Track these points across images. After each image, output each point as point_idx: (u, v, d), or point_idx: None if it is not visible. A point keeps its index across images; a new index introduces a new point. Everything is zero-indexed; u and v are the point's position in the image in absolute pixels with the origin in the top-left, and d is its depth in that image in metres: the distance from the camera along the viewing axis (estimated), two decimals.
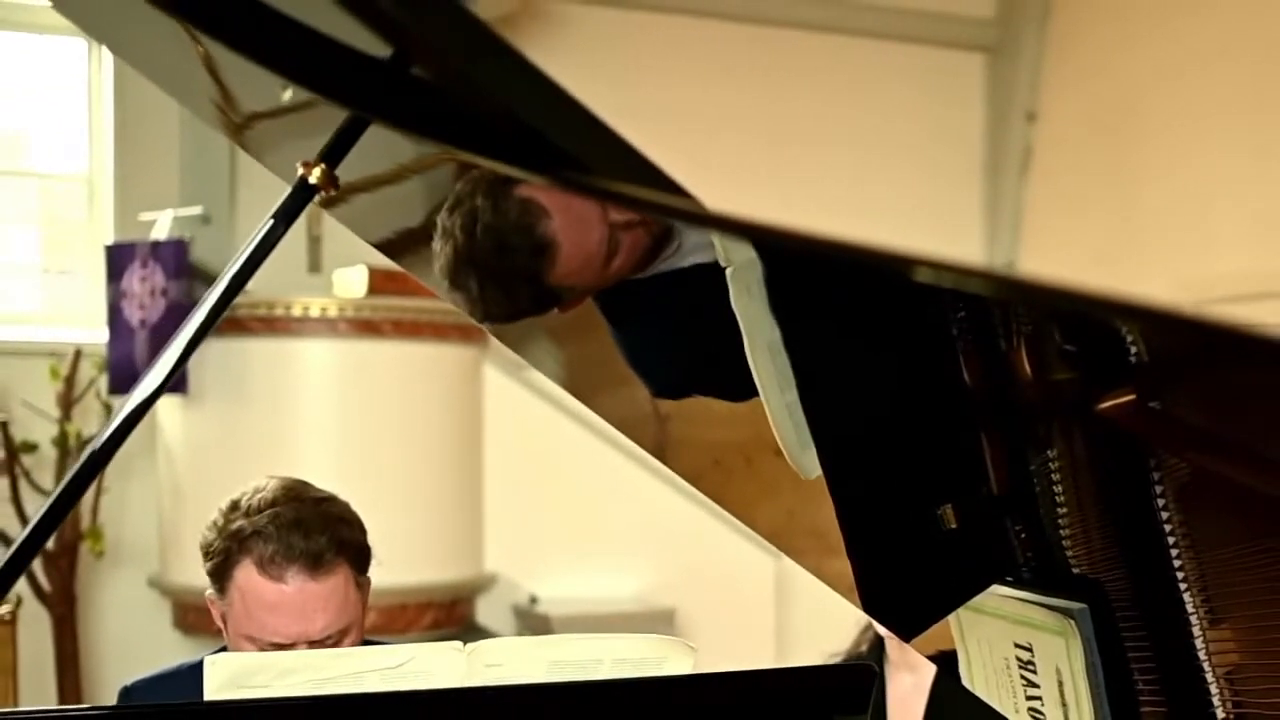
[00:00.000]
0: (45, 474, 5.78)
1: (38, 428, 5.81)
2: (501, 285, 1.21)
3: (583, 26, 6.98)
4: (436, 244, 1.18)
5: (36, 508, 5.61)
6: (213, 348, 5.26)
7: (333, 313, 5.22)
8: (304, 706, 1.19)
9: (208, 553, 1.82)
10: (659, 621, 5.96)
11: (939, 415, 1.27)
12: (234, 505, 1.84)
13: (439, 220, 1.16)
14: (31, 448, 5.76)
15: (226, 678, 1.19)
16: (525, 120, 0.89)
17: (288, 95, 0.94)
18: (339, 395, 5.36)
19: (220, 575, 1.80)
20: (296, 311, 5.17)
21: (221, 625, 1.84)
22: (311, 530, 1.79)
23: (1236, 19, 6.34)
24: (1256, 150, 6.26)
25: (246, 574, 1.77)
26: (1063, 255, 7.42)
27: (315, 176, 1.05)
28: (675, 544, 5.57)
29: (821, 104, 7.41)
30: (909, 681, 2.37)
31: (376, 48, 0.82)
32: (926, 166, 7.64)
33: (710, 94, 7.19)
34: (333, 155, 1.01)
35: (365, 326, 5.15)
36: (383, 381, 5.31)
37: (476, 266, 1.18)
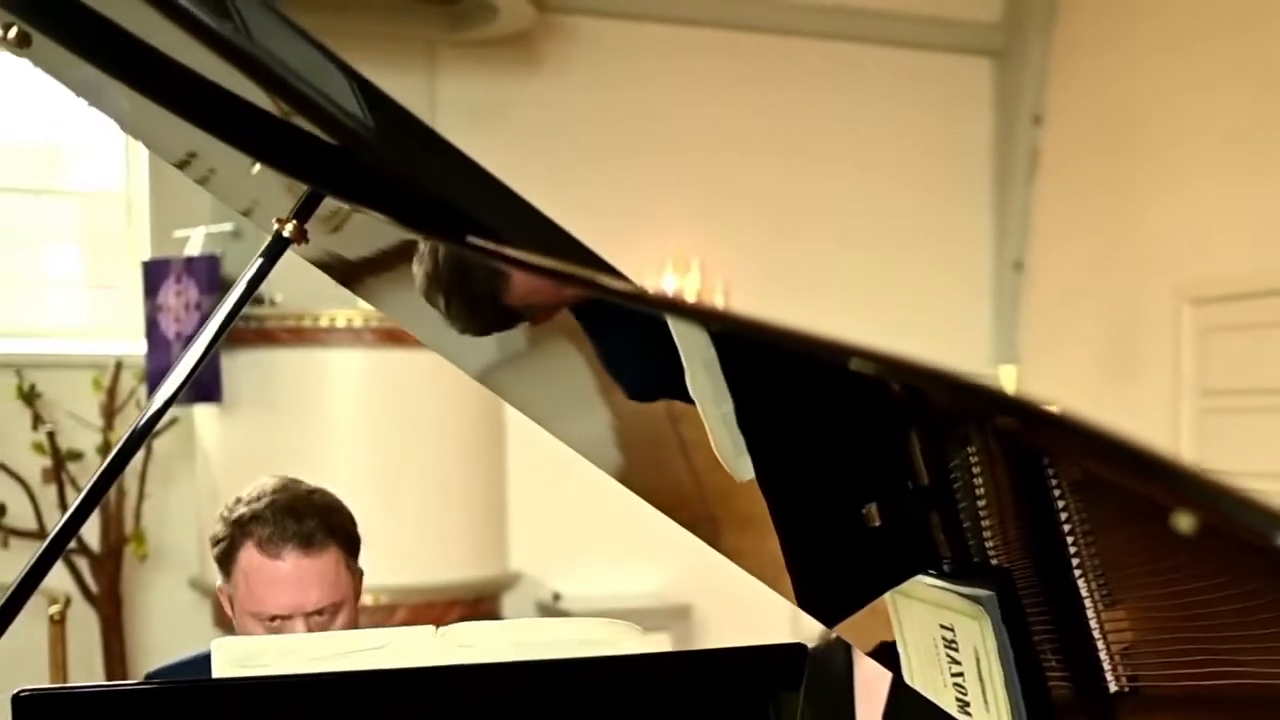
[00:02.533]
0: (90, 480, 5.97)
1: (82, 436, 5.98)
2: (465, 303, 1.37)
3: (596, 39, 7.10)
4: (414, 265, 1.35)
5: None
6: (245, 358, 5.42)
7: (359, 323, 5.33)
8: (302, 683, 1.37)
9: (215, 542, 2.04)
10: (676, 617, 6.08)
11: (867, 421, 1.39)
12: (236, 500, 2.07)
13: (417, 248, 1.33)
14: (77, 456, 5.94)
15: (233, 658, 1.38)
16: (445, 194, 1.07)
17: (255, 169, 1.13)
18: (367, 402, 5.47)
19: (226, 560, 2.03)
20: (324, 323, 5.30)
21: (229, 609, 2.06)
22: (304, 515, 2.02)
23: (1238, 27, 6.39)
24: (1254, 153, 6.30)
25: (248, 555, 2.00)
26: (1068, 256, 7.48)
27: (288, 231, 1.24)
28: (692, 543, 5.66)
29: (832, 110, 7.51)
30: (874, 667, 2.51)
31: (327, 138, 1.01)
32: (936, 169, 7.70)
33: (721, 103, 7.30)
34: (301, 214, 1.20)
35: (391, 336, 5.23)
36: (408, 388, 5.40)
37: (442, 287, 1.35)
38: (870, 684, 2.54)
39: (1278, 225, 6.18)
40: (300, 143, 1.05)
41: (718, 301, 7.13)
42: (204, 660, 1.59)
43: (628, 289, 0.94)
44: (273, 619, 1.98)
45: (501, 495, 5.92)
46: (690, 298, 7.11)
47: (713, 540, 1.69)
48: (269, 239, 1.27)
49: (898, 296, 7.57)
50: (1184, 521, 0.72)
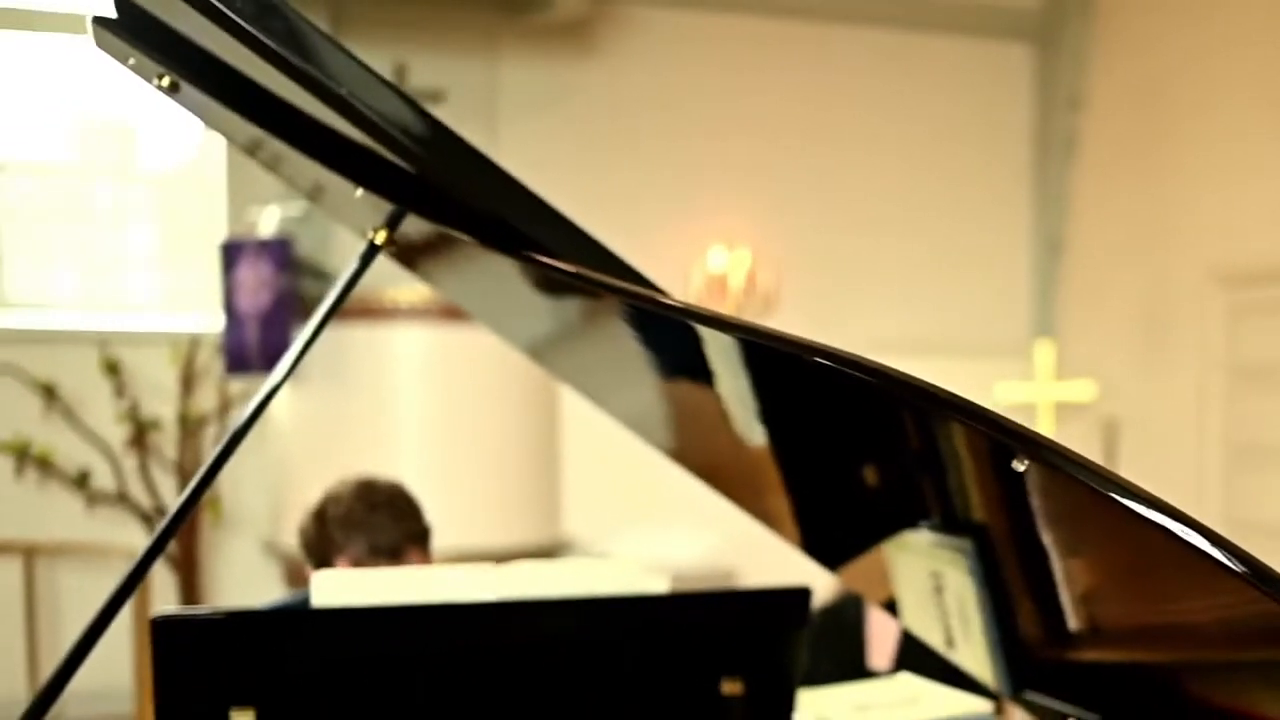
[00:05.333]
0: (169, 448, 6.26)
1: (161, 407, 6.28)
2: None
3: (650, 27, 7.30)
4: None
5: (160, 479, 6.10)
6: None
7: (422, 302, 5.52)
8: (390, 611, 1.64)
9: (308, 549, 2.29)
10: (722, 580, 6.29)
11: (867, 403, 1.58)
12: (319, 515, 2.31)
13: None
14: (156, 425, 6.23)
15: (329, 589, 1.65)
16: (504, 215, 1.35)
17: (359, 193, 1.40)
18: (429, 376, 5.66)
19: (312, 556, 2.31)
20: (389, 302, 5.51)
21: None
22: (386, 530, 2.28)
23: (1277, 18, 6.46)
24: None
25: (339, 563, 2.27)
26: (1104, 236, 7.60)
27: (380, 239, 1.52)
28: (737, 510, 5.89)
29: (876, 95, 7.70)
30: (884, 619, 2.75)
31: (405, 167, 1.29)
32: (977, 152, 7.86)
33: (769, 88, 7.48)
34: (390, 226, 1.48)
35: (451, 314, 5.38)
36: (468, 363, 5.58)
37: None
38: (880, 634, 2.78)
39: None
40: (389, 172, 1.33)
41: (767, 280, 7.34)
42: (300, 601, 1.86)
43: (649, 295, 1.21)
44: None
45: (556, 464, 6.10)
46: (739, 277, 7.32)
47: (735, 497, 1.93)
48: (363, 246, 1.53)
49: (940, 275, 7.75)
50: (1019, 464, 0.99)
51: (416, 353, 5.69)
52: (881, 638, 2.78)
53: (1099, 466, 1.04)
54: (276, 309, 5.77)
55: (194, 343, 6.31)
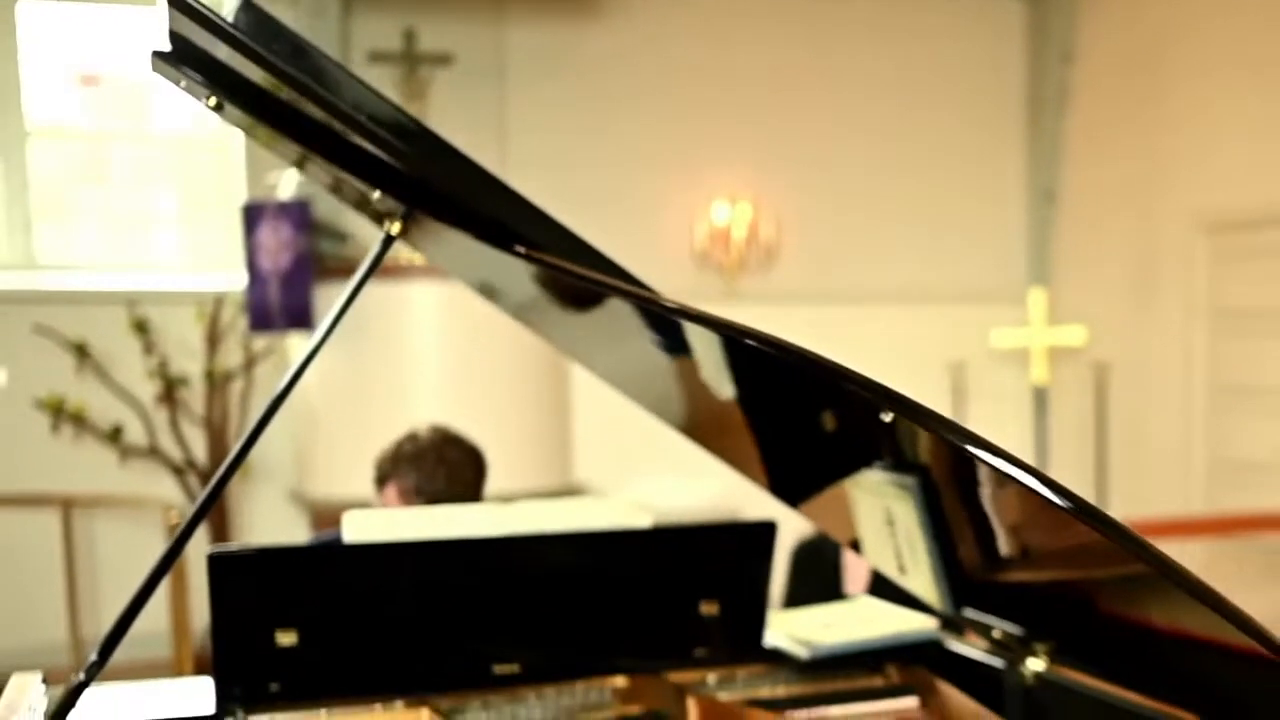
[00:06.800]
0: (197, 404, 6.50)
1: (188, 364, 6.50)
2: None
3: None
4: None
5: (190, 433, 6.32)
6: (335, 291, 5.87)
7: None
8: (413, 545, 1.88)
9: (378, 466, 2.59)
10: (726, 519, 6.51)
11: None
12: (399, 443, 2.64)
13: None
14: (184, 381, 6.46)
15: (359, 527, 1.91)
16: (495, 213, 1.61)
17: (375, 195, 1.66)
18: (445, 330, 5.87)
19: (381, 484, 2.59)
20: (405, 260, 5.67)
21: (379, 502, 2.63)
22: (437, 484, 2.61)
23: None
24: (1271, 92, 6.56)
25: (391, 494, 2.55)
26: (1095, 185, 7.75)
27: (395, 230, 1.78)
28: None
29: (874, 51, 7.86)
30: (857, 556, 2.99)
31: (409, 174, 1.55)
32: (972, 105, 8.03)
33: (770, 45, 7.64)
34: (404, 220, 1.74)
35: None
36: (481, 318, 5.52)
37: None
38: (855, 564, 3.04)
39: None
40: (400, 178, 1.59)
41: (769, 232, 7.55)
42: (332, 539, 2.12)
43: (613, 282, 1.46)
44: None
45: (567, 414, 6.32)
46: (742, 230, 7.55)
47: (708, 444, 2.17)
48: (382, 237, 1.80)
49: (937, 225, 7.94)
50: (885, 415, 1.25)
51: (433, 308, 5.88)
52: (856, 568, 3.03)
53: (949, 420, 1.29)
54: (297, 269, 5.97)
55: (218, 301, 6.48)
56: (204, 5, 1.42)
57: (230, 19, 1.47)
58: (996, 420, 7.80)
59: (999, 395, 7.94)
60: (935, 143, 7.96)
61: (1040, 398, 7.70)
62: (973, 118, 8.06)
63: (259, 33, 1.47)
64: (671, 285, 7.38)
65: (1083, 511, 1.22)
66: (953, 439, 1.29)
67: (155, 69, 1.63)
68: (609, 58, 7.42)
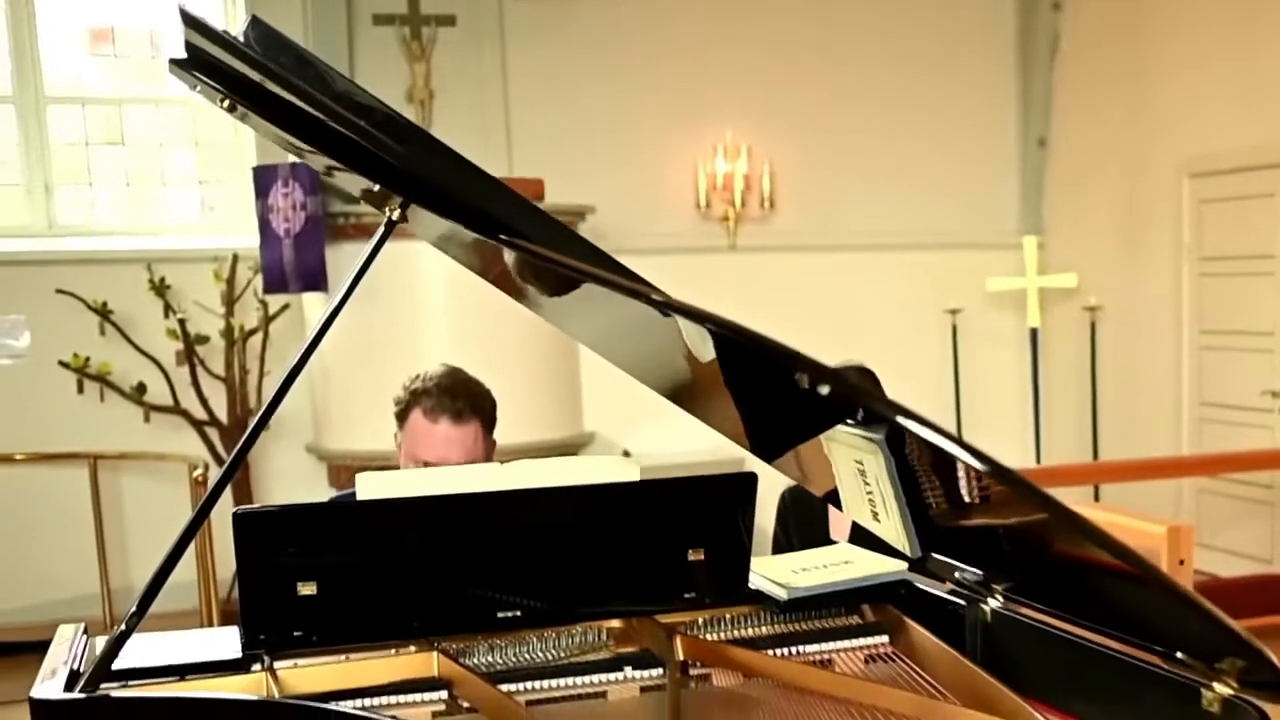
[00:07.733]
0: (216, 361, 6.67)
1: (207, 322, 6.67)
2: None
3: None
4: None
5: (210, 390, 6.49)
6: (347, 251, 6.00)
7: None
8: (421, 501, 2.03)
9: (397, 402, 2.75)
10: (732, 467, 6.65)
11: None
12: (415, 376, 2.77)
13: None
14: (204, 339, 6.62)
15: (372, 486, 2.07)
16: (481, 205, 1.77)
17: (376, 187, 1.83)
18: (456, 288, 5.94)
19: (402, 417, 2.75)
20: None
21: (398, 451, 2.77)
22: (458, 395, 2.73)
23: None
24: (1252, 41, 6.62)
25: (416, 416, 2.71)
26: (1086, 133, 7.82)
27: (395, 215, 1.94)
28: None
29: (867, 2, 7.94)
30: None
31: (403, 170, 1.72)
32: (965, 55, 8.09)
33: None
34: (404, 208, 1.91)
35: None
36: None
37: None
38: (840, 516, 3.16)
39: (1268, 105, 6.55)
40: (403, 176, 1.76)
41: (766, 182, 7.66)
42: (348, 497, 2.28)
43: (586, 267, 1.62)
44: (425, 465, 2.67)
45: (575, 367, 6.46)
46: (740, 180, 7.67)
47: (690, 408, 2.31)
48: (384, 221, 1.96)
49: (931, 174, 8.03)
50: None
51: (443, 267, 5.73)
52: (840, 516, 3.16)
53: (881, 395, 1.44)
54: (308, 231, 6.08)
55: (235, 261, 6.63)
56: (215, 28, 1.58)
57: (240, 34, 1.63)
58: (995, 363, 7.95)
59: (996, 339, 8.06)
60: (928, 93, 8.03)
61: (1035, 340, 7.82)
62: (965, 67, 8.12)
63: (267, 46, 1.62)
64: (676, 237, 7.54)
65: (994, 469, 1.37)
66: (883, 411, 1.44)
67: (173, 73, 1.79)
68: (610, 17, 7.50)
